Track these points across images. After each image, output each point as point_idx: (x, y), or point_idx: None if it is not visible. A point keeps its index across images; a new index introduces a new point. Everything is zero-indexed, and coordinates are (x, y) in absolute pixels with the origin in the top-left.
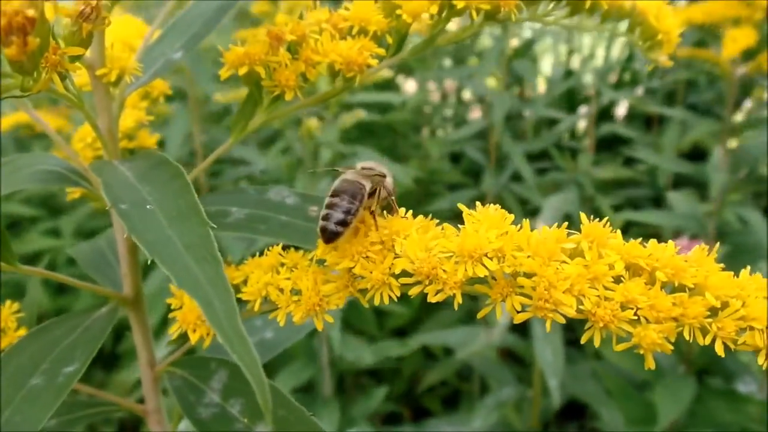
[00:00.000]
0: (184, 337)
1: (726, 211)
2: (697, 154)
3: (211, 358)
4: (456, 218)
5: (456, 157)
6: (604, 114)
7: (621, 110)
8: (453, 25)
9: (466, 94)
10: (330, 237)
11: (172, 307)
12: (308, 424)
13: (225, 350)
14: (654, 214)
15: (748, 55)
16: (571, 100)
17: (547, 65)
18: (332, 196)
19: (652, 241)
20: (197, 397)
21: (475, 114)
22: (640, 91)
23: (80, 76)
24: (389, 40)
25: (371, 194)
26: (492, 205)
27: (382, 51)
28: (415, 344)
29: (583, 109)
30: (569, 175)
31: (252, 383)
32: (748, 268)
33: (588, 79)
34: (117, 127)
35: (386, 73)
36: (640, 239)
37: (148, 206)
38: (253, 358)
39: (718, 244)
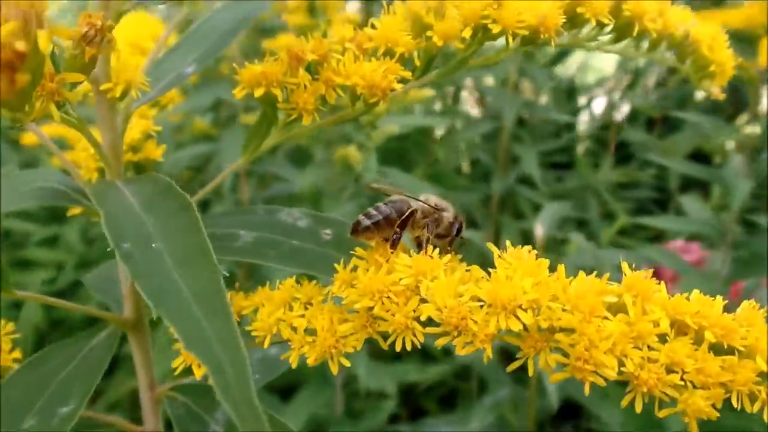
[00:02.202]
0: (188, 371)
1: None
2: (698, 158)
3: None
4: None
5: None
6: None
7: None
8: None
9: (468, 95)
10: (355, 228)
11: (175, 338)
12: None
13: None
14: (672, 221)
15: None
16: (572, 104)
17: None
18: (384, 204)
19: (697, 294)
20: (200, 429)
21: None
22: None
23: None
24: (416, 60)
25: (420, 224)
26: (525, 246)
27: (408, 74)
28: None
29: (583, 117)
30: (582, 180)
31: None
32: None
33: (590, 80)
34: (121, 143)
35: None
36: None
37: (153, 245)
38: None
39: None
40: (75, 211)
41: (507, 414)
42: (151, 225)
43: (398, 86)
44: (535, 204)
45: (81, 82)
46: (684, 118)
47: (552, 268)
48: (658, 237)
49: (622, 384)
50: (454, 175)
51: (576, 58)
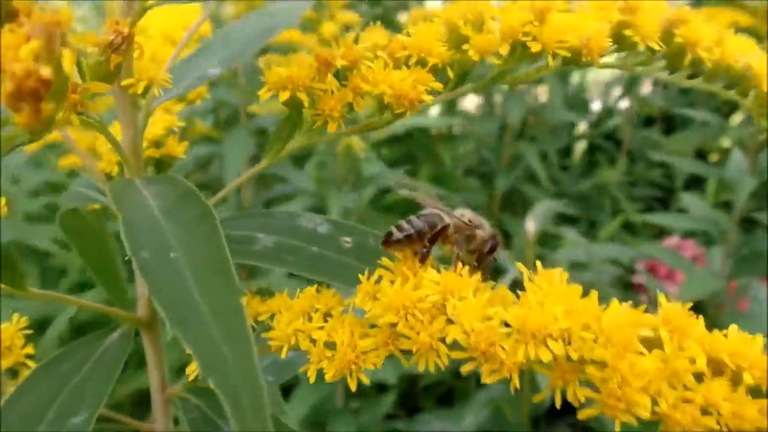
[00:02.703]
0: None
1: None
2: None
3: None
4: None
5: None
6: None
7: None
8: None
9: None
10: (387, 240)
11: None
12: None
13: None
14: (673, 218)
15: None
16: (571, 104)
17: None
18: (417, 217)
19: (734, 330)
20: None
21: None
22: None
23: None
24: (449, 72)
25: (452, 239)
26: (557, 269)
27: (438, 86)
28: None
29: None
30: (593, 180)
31: None
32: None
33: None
34: (141, 140)
35: None
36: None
37: (172, 254)
38: None
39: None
40: (94, 206)
41: (503, 410)
42: (170, 233)
43: (428, 98)
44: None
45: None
46: (686, 118)
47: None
48: (661, 234)
49: None
50: (459, 177)
51: None
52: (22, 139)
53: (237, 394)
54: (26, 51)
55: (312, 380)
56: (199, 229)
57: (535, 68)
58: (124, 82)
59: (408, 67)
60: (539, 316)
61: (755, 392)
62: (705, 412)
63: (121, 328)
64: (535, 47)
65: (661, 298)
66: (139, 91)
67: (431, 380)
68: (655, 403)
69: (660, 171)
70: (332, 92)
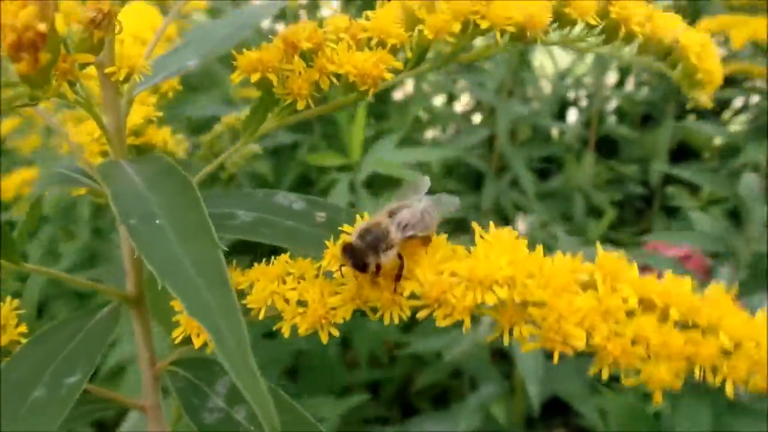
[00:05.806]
0: (187, 341)
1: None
2: (683, 152)
3: (215, 360)
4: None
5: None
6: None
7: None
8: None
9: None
10: None
11: (176, 310)
12: (311, 427)
13: None
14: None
15: None
16: (561, 102)
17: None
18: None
19: (669, 275)
20: (201, 401)
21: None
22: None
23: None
24: (408, 53)
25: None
26: (506, 227)
27: (399, 64)
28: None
29: (572, 114)
30: (569, 180)
31: (262, 421)
32: (766, 308)
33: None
34: (125, 125)
35: None
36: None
37: (157, 221)
38: (264, 395)
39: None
40: (80, 191)
41: (495, 411)
42: (154, 203)
43: (389, 76)
44: (521, 208)
45: (90, 64)
46: (666, 117)
47: None
48: (643, 233)
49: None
50: (446, 180)
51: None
52: (23, 100)
53: (221, 331)
54: (26, 13)
55: (286, 335)
56: (181, 198)
57: (485, 45)
58: (107, 70)
59: (369, 48)
60: (486, 266)
61: (683, 327)
62: (635, 343)
63: (110, 304)
64: (484, 24)
65: (598, 248)
66: (121, 78)
67: (426, 383)
68: (590, 336)
69: (636, 168)
70: (299, 73)
